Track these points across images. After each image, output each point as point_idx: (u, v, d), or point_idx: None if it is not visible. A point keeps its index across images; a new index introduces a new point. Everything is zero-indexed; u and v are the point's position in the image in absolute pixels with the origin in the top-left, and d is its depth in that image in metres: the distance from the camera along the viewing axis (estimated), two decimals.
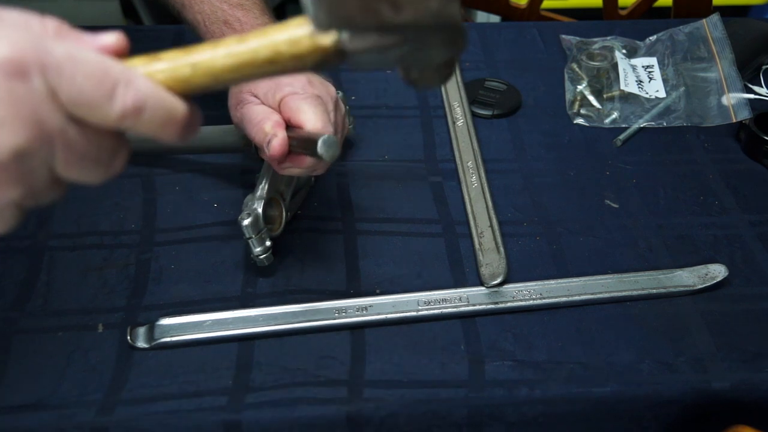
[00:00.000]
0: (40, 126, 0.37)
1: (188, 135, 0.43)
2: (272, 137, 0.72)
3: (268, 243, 0.80)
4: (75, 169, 0.41)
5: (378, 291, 0.81)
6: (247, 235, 0.78)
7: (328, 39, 0.44)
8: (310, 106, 0.74)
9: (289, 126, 0.76)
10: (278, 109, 0.76)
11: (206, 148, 0.93)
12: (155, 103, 0.41)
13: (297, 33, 0.45)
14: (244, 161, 0.96)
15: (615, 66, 1.08)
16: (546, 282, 0.82)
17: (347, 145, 1.00)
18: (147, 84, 0.41)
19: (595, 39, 1.14)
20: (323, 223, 0.89)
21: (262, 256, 0.80)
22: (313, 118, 0.74)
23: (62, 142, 0.39)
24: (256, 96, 0.78)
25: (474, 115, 1.04)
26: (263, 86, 0.77)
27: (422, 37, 0.44)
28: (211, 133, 0.92)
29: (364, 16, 0.42)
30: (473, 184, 0.93)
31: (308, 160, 0.74)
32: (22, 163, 0.38)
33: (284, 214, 0.84)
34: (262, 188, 0.81)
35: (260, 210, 0.79)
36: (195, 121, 0.43)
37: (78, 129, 0.39)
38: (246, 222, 0.78)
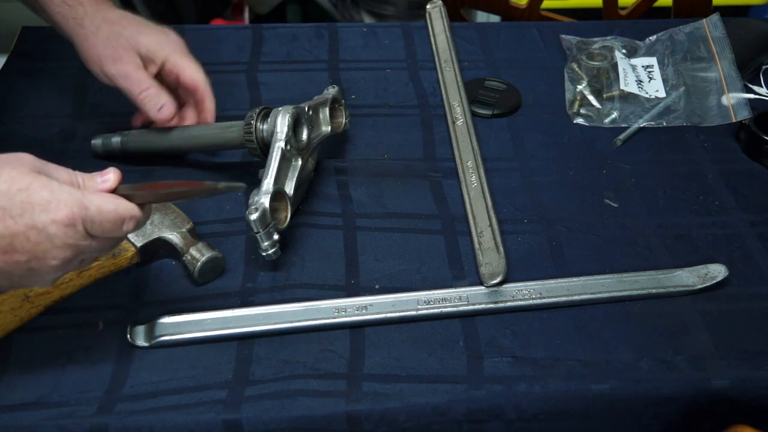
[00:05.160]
0: (78, 248, 0.64)
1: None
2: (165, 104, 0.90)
3: (275, 237, 0.80)
4: (93, 258, 0.70)
5: (377, 286, 0.82)
6: (255, 230, 0.78)
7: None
8: (189, 61, 0.92)
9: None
10: (162, 66, 0.90)
11: (207, 146, 0.93)
12: (142, 220, 0.68)
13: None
14: (244, 158, 0.96)
15: (615, 66, 1.08)
16: (545, 282, 0.82)
17: (347, 142, 1.00)
18: (140, 215, 0.68)
19: (595, 39, 1.14)
20: (323, 218, 0.90)
21: (270, 251, 0.80)
22: (196, 70, 0.92)
23: (87, 250, 0.65)
24: (138, 53, 0.89)
25: (474, 114, 1.04)
26: (145, 42, 0.90)
27: None
28: (211, 130, 0.92)
29: None
30: (473, 184, 0.93)
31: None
32: (67, 262, 0.65)
33: (289, 207, 0.83)
34: (268, 183, 0.81)
35: (267, 204, 0.79)
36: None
37: (97, 240, 0.65)
38: (254, 217, 0.77)
